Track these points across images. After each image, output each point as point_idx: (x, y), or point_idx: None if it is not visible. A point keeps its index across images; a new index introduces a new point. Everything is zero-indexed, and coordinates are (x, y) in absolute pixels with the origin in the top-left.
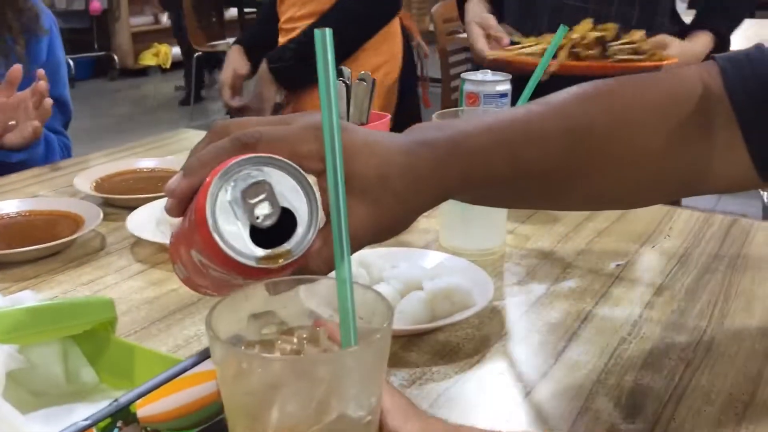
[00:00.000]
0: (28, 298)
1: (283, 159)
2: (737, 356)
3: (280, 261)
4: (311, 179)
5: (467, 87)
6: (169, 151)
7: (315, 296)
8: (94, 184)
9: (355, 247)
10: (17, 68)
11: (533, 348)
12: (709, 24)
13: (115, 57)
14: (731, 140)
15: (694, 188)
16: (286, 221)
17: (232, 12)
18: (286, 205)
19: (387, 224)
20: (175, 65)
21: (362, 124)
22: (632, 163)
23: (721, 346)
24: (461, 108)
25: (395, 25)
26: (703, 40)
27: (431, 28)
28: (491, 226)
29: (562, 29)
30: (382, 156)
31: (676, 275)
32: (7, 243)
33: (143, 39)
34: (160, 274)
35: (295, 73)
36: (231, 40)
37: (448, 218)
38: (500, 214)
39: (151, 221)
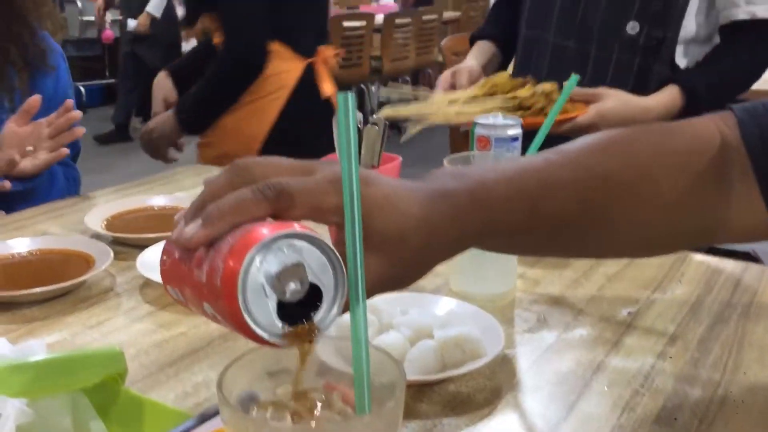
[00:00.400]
0: (37, 348)
1: (315, 235)
2: (752, 410)
3: (305, 338)
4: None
5: (478, 130)
6: (180, 187)
7: (330, 349)
8: (105, 222)
9: (368, 296)
10: (36, 98)
11: (545, 400)
12: (685, 79)
13: None
14: (748, 190)
15: (710, 238)
16: (310, 292)
17: None
18: (315, 281)
19: (401, 276)
20: None
21: (373, 167)
22: (649, 214)
23: (736, 400)
24: (472, 153)
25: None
26: (666, 95)
27: (440, 59)
28: (502, 271)
29: (574, 78)
30: (402, 211)
31: (689, 324)
32: (17, 283)
33: None
34: (169, 317)
35: (198, 121)
36: None
37: (458, 262)
38: (511, 258)
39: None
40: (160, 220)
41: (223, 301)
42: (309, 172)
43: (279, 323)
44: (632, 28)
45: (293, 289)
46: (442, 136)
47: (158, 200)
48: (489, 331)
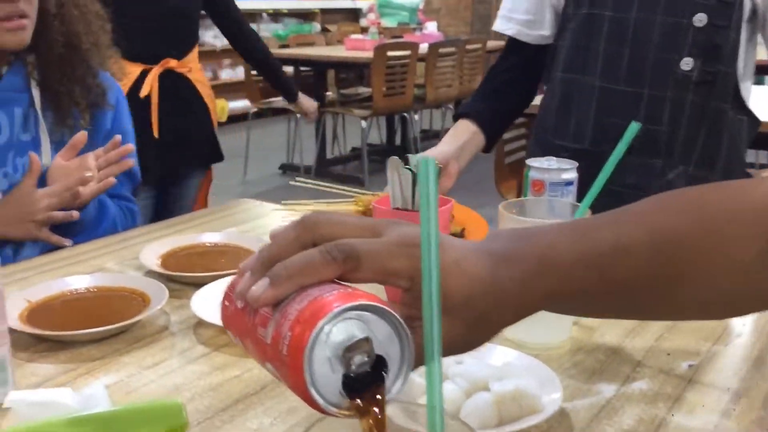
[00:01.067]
0: (99, 395)
1: (383, 306)
2: None
3: (371, 410)
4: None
5: (533, 174)
6: (232, 222)
7: (401, 412)
8: (159, 260)
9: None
10: (83, 134)
11: None
12: None
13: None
14: None
15: None
16: (376, 362)
17: (287, 69)
18: (381, 353)
19: (469, 339)
20: (231, 119)
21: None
22: (722, 276)
23: None
24: (526, 198)
25: None
26: None
27: None
28: (558, 320)
29: (635, 126)
30: (470, 275)
31: (753, 379)
32: (75, 320)
33: None
34: (223, 359)
35: None
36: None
37: None
38: None
39: (215, 302)
40: (212, 257)
41: (288, 369)
42: (377, 233)
43: (344, 396)
44: (686, 64)
45: (360, 361)
46: (486, 163)
47: (210, 237)
48: (546, 384)
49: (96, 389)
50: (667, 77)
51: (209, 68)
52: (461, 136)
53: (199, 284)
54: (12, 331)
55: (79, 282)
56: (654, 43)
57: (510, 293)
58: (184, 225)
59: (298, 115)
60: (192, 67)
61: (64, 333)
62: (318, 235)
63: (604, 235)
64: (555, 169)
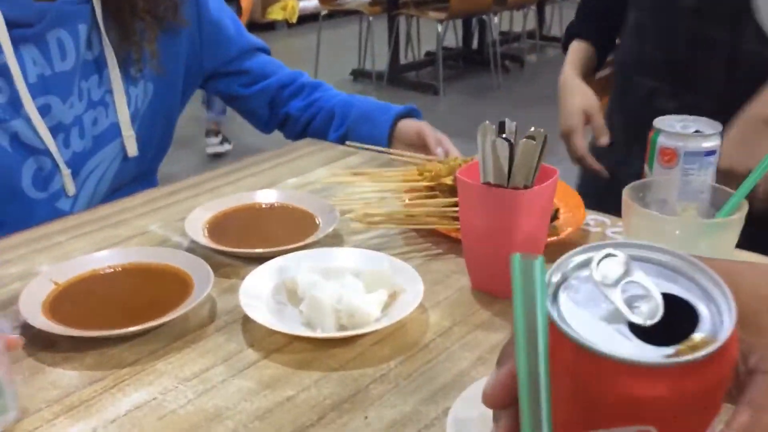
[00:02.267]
0: None
1: None
2: None
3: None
4: None
5: (662, 140)
6: (294, 170)
7: None
8: (206, 228)
9: None
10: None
11: None
12: None
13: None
14: None
15: None
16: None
17: None
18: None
19: None
20: (301, 20)
21: (526, 186)
22: None
23: None
24: (651, 178)
25: None
26: None
27: None
28: None
29: None
30: None
31: None
32: (106, 308)
33: None
34: (275, 371)
35: None
36: None
37: None
38: None
39: (266, 289)
40: (268, 224)
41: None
42: None
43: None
44: None
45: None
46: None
47: (266, 195)
48: None
49: None
50: None
51: None
52: (586, 62)
53: (250, 260)
54: (31, 327)
55: (111, 258)
56: None
57: None
58: (241, 173)
59: (371, 17)
60: None
61: (91, 334)
62: None
63: None
64: (693, 136)
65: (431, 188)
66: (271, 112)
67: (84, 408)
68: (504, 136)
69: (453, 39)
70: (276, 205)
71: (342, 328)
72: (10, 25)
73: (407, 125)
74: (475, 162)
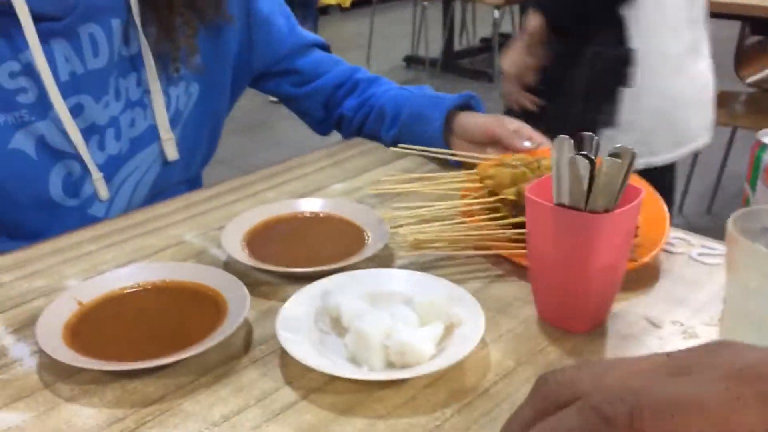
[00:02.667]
0: None
1: None
2: None
3: None
4: None
5: None
6: (341, 174)
7: None
8: (245, 241)
9: None
10: None
11: None
12: None
13: None
14: None
15: None
16: None
17: None
18: None
19: None
20: (354, 4)
21: (607, 210)
22: None
23: None
24: (758, 206)
25: None
26: None
27: None
28: None
29: None
30: None
31: None
32: (132, 334)
33: None
34: (313, 416)
35: None
36: None
37: None
38: None
39: (307, 316)
40: (311, 238)
41: None
42: (682, 369)
43: None
44: None
45: None
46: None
47: (310, 204)
48: None
49: None
50: None
51: None
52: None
53: (291, 277)
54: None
55: (140, 274)
56: None
57: None
58: (285, 176)
59: (425, 2)
60: None
61: (114, 367)
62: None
63: None
64: None
65: (490, 193)
66: (327, 113)
67: None
68: (582, 153)
69: (509, 25)
70: (321, 215)
71: (391, 365)
72: (37, 19)
73: (468, 120)
74: (546, 177)
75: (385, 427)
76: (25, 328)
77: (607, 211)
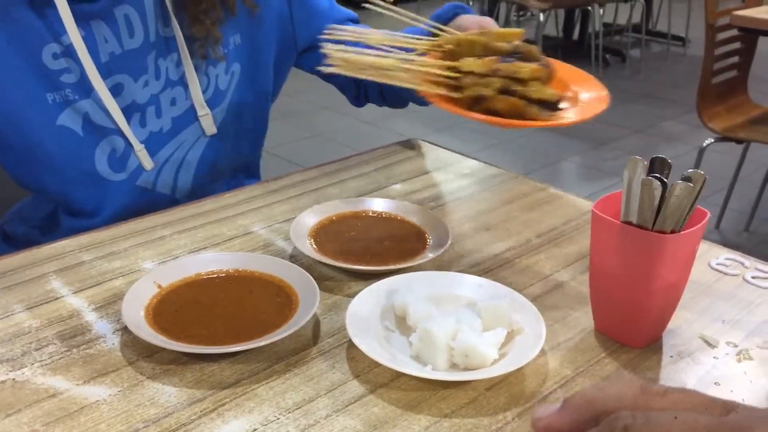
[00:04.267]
0: None
1: None
2: None
3: None
4: None
5: None
6: (401, 173)
7: None
8: (312, 237)
9: None
10: None
11: None
12: None
13: None
14: None
15: None
16: None
17: None
18: None
19: None
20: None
21: (673, 231)
22: None
23: None
24: None
25: None
26: None
27: None
28: None
29: None
30: None
31: None
32: (209, 318)
33: None
34: (380, 410)
35: None
36: None
37: None
38: None
39: (373, 314)
40: (376, 237)
41: None
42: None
43: None
44: None
45: None
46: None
47: (376, 203)
48: None
49: None
50: None
51: None
52: None
53: (356, 274)
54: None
55: (216, 262)
56: None
57: None
58: (346, 173)
59: (470, 2)
60: None
61: (194, 350)
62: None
63: None
64: None
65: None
66: (357, 86)
67: None
68: (654, 175)
69: (553, 28)
70: (384, 215)
71: (454, 366)
72: (73, 1)
73: (462, 19)
74: (615, 194)
75: (449, 426)
76: (107, 306)
77: (673, 231)
